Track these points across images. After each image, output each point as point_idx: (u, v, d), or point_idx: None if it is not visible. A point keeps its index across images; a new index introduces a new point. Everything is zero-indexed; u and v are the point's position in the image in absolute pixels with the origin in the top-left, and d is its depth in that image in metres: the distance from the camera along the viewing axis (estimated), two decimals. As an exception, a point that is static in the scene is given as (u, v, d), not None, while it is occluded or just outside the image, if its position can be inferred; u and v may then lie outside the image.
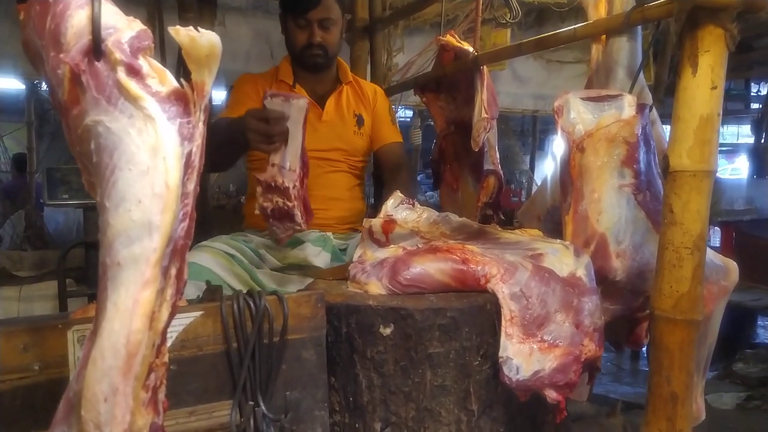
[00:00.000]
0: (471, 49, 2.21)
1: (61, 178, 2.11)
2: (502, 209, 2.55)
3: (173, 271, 0.66)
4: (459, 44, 2.25)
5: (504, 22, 2.32)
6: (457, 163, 2.59)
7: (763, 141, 6.59)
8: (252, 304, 1.07)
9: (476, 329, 1.16)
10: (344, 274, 1.38)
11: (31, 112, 7.20)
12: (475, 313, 1.16)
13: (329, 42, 1.91)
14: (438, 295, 1.20)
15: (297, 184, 1.35)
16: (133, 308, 0.62)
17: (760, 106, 6.58)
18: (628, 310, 1.50)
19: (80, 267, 2.36)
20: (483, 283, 1.19)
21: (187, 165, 0.66)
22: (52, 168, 2.17)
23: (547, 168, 11.13)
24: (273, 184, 1.34)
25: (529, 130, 9.19)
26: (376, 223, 1.39)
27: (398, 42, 3.22)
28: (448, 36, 2.30)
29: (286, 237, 1.43)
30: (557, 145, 1.57)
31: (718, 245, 4.70)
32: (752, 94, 6.69)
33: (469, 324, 1.16)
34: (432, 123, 2.70)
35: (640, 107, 1.42)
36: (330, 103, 2.00)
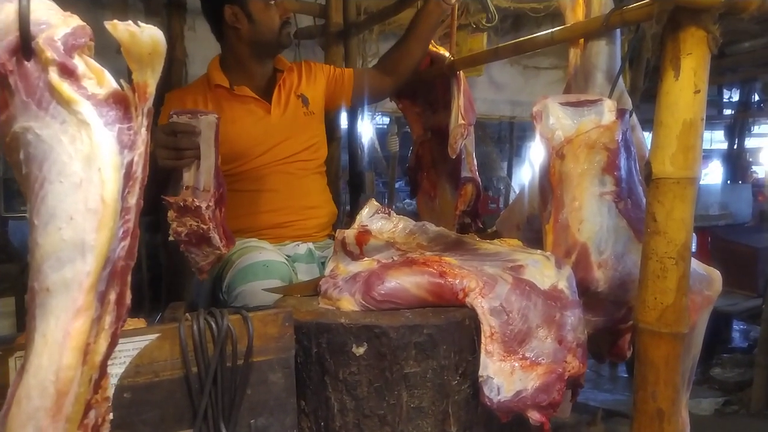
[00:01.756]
0: (447, 54, 2.16)
1: (19, 188, 1.99)
2: (480, 217, 2.51)
3: (112, 296, 0.59)
4: (435, 49, 2.20)
5: (481, 27, 2.27)
6: (435, 171, 2.55)
7: (735, 146, 6.68)
8: (213, 325, 1.00)
9: (455, 347, 1.10)
10: (315, 289, 1.31)
11: None
12: (453, 330, 1.10)
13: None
14: (414, 311, 1.14)
15: (211, 204, 1.25)
16: (64, 341, 0.54)
17: (733, 111, 6.67)
18: (610, 322, 1.46)
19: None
20: (461, 298, 1.13)
21: (128, 176, 0.59)
22: (10, 178, 2.06)
23: (524, 175, 11.18)
24: (184, 205, 1.24)
25: (506, 137, 9.19)
26: (350, 234, 1.32)
27: (373, 47, 3.16)
28: (423, 41, 2.25)
29: (207, 265, 1.32)
30: (536, 152, 1.52)
31: (693, 251, 4.71)
32: (725, 100, 6.77)
33: (447, 341, 1.09)
34: (409, 130, 2.65)
35: (620, 112, 1.38)
36: (275, 94, 1.90)
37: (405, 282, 1.15)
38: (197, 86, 1.89)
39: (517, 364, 1.06)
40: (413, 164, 2.62)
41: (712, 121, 6.94)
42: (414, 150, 2.60)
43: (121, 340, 0.97)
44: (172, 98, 1.83)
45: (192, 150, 1.27)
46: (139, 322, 1.18)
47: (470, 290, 1.13)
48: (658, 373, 1.13)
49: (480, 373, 1.06)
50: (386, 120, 6.74)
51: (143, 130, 0.60)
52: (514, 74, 3.74)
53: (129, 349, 0.97)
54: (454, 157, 2.15)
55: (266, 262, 1.50)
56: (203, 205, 1.24)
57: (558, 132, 1.35)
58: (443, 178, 2.49)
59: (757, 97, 6.78)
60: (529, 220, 1.66)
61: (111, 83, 0.61)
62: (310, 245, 1.78)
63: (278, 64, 1.96)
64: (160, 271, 3.43)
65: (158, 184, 1.49)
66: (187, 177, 1.28)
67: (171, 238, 1.28)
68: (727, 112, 6.80)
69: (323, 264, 1.75)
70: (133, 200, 0.59)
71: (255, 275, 1.48)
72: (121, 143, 0.58)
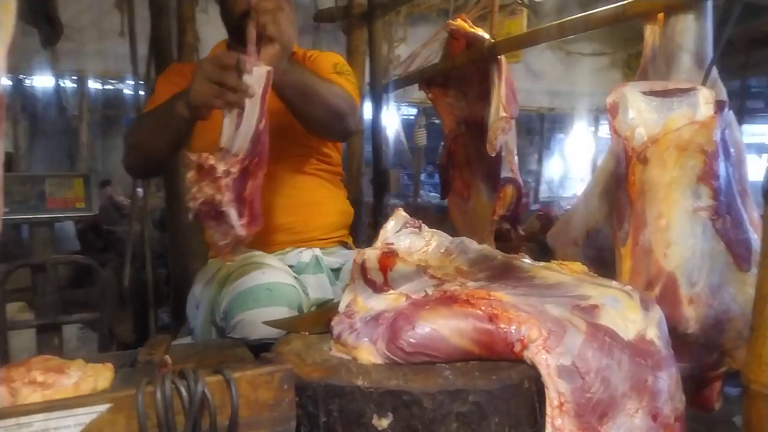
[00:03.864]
0: (486, 36, 1.87)
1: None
2: (521, 223, 2.22)
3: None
4: (472, 30, 1.91)
5: (521, 3, 1.97)
6: (469, 169, 2.26)
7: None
8: (184, 390, 0.73)
9: (510, 419, 0.82)
10: (327, 323, 1.04)
11: (16, 108, 6.88)
12: (508, 396, 0.82)
13: None
14: (455, 369, 0.86)
15: (234, 171, 0.98)
16: None
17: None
18: (698, 368, 1.17)
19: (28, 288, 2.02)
20: (518, 351, 0.85)
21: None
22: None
23: (554, 168, 10.79)
24: (204, 167, 0.98)
25: (536, 129, 8.83)
26: (372, 256, 1.04)
27: (400, 31, 2.88)
28: (458, 21, 1.96)
29: (225, 247, 1.05)
30: (609, 152, 1.23)
31: None
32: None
33: (500, 412, 0.82)
34: (437, 121, 2.36)
35: (719, 105, 1.08)
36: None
37: (443, 328, 0.87)
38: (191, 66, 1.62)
39: (597, 449, 0.78)
40: (444, 161, 2.33)
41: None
42: (445, 145, 2.32)
43: (60, 413, 0.72)
44: (172, 69, 1.63)
45: (239, 93, 1.02)
46: (104, 369, 0.92)
47: (530, 341, 0.85)
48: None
49: (545, 456, 0.78)
50: (413, 111, 6.47)
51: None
52: (554, 61, 3.42)
53: (70, 425, 0.72)
54: (493, 155, 1.86)
55: (270, 285, 1.24)
56: (222, 171, 0.97)
57: (639, 129, 1.06)
58: (478, 178, 2.21)
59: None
60: (589, 235, 1.37)
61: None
62: (316, 251, 1.51)
63: None
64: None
65: (175, 132, 1.25)
66: (223, 132, 1.02)
67: (190, 216, 1.03)
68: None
69: (334, 273, 1.48)
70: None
71: (256, 301, 1.21)
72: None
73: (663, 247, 1.04)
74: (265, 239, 1.49)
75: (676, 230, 1.05)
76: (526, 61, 3.40)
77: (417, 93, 2.86)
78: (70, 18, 2.86)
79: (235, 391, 0.75)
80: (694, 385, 1.23)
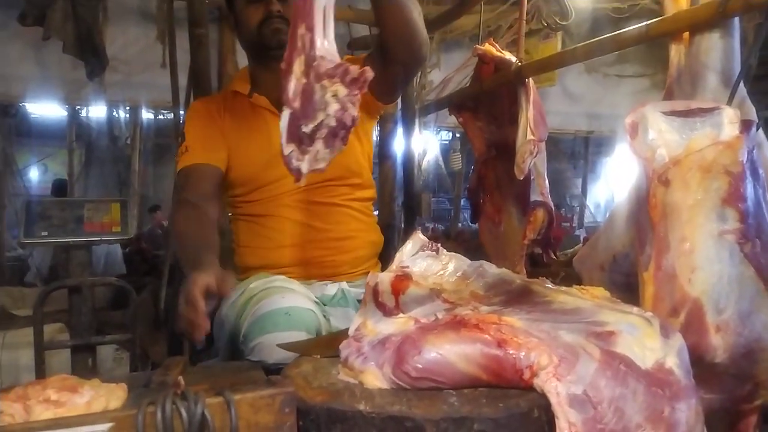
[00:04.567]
0: (514, 59, 1.86)
1: (42, 212, 1.84)
2: (553, 246, 2.17)
3: None
4: (499, 54, 1.91)
5: (554, 27, 1.95)
6: (499, 193, 2.23)
7: None
8: (184, 412, 0.74)
9: (517, 449, 0.79)
10: (339, 345, 1.04)
11: (71, 136, 7.20)
12: (516, 425, 0.80)
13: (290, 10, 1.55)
14: (461, 395, 0.84)
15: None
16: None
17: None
18: (729, 401, 1.10)
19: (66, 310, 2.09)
20: (528, 378, 0.83)
21: None
22: (32, 200, 1.93)
23: (600, 192, 10.57)
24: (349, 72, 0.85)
25: (580, 152, 8.67)
26: (384, 280, 1.04)
27: (434, 57, 2.89)
28: (486, 45, 1.96)
29: (299, 173, 0.90)
30: (628, 175, 1.20)
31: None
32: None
33: (508, 441, 0.79)
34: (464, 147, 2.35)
35: (745, 124, 1.04)
36: None
37: (449, 353, 0.85)
38: (220, 94, 1.69)
39: (608, 484, 0.74)
40: (474, 186, 2.31)
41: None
42: (476, 169, 2.30)
43: (62, 431, 0.73)
44: (195, 109, 1.64)
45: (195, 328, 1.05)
46: (117, 389, 0.94)
47: (540, 368, 0.82)
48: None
49: (554, 491, 0.75)
50: (448, 136, 6.47)
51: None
52: (592, 84, 3.37)
53: (72, 444, 0.73)
54: (521, 178, 1.84)
55: (289, 310, 1.24)
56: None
57: (661, 150, 1.02)
58: (509, 202, 2.18)
59: None
60: (616, 260, 1.33)
61: None
62: (343, 285, 1.51)
63: None
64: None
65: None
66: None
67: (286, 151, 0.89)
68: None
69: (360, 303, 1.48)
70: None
71: (275, 325, 1.22)
72: None
73: (687, 272, 1.00)
74: (291, 270, 1.50)
75: (701, 254, 1.00)
76: (562, 83, 3.35)
77: (452, 118, 2.86)
78: (116, 51, 3.00)
79: (234, 414, 0.75)
80: (728, 419, 1.16)
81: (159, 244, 5.63)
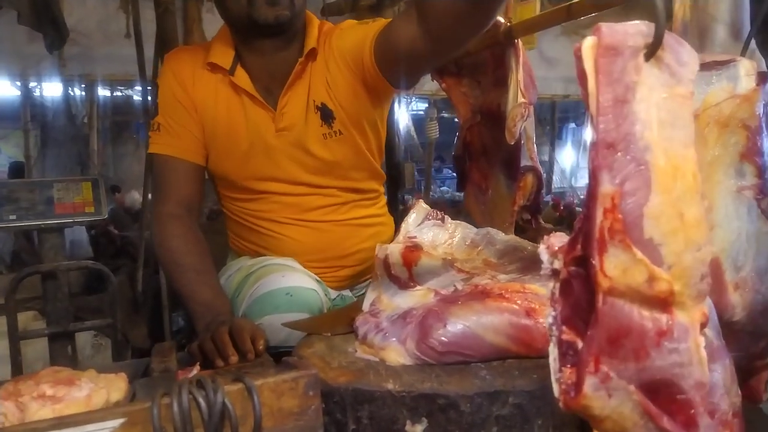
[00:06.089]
0: (501, 20, 1.80)
1: (7, 195, 1.71)
2: (541, 212, 2.15)
3: None
4: (486, 14, 1.84)
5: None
6: (486, 159, 2.18)
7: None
8: (203, 402, 0.68)
9: (554, 421, 0.76)
10: (350, 323, 0.99)
11: (26, 117, 6.89)
12: (551, 397, 0.76)
13: None
14: (492, 369, 0.80)
15: None
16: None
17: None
18: (744, 358, 1.09)
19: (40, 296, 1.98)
20: (558, 347, 0.79)
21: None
22: (-3, 182, 1.82)
23: (566, 158, 10.66)
24: None
25: (547, 119, 8.72)
26: (395, 251, 0.99)
27: (410, 22, 2.79)
28: (472, 5, 1.89)
29: None
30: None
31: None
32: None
33: (543, 413, 0.75)
34: (447, 115, 2.30)
35: (761, 76, 1.00)
36: (287, 98, 1.32)
37: (476, 325, 0.81)
38: (197, 54, 1.38)
39: (650, 452, 0.71)
40: (460, 153, 2.26)
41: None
42: (461, 136, 2.25)
43: (69, 430, 0.67)
44: (164, 74, 1.39)
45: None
46: (117, 379, 0.87)
47: (572, 336, 0.78)
48: None
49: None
50: (423, 105, 6.39)
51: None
52: (568, 47, 3.32)
53: (82, 442, 0.66)
54: (512, 143, 1.80)
55: (290, 290, 1.18)
56: None
57: (677, 105, 0.98)
58: (496, 168, 2.13)
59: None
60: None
61: None
62: (345, 292, 1.45)
63: (308, 40, 1.33)
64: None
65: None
66: None
67: None
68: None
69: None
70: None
71: (276, 307, 1.15)
72: None
73: (706, 231, 0.97)
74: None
75: (720, 212, 0.98)
76: (539, 47, 3.31)
77: (427, 85, 2.79)
78: (75, 21, 2.82)
79: (257, 400, 0.70)
80: (741, 375, 1.16)
81: (124, 224, 5.47)
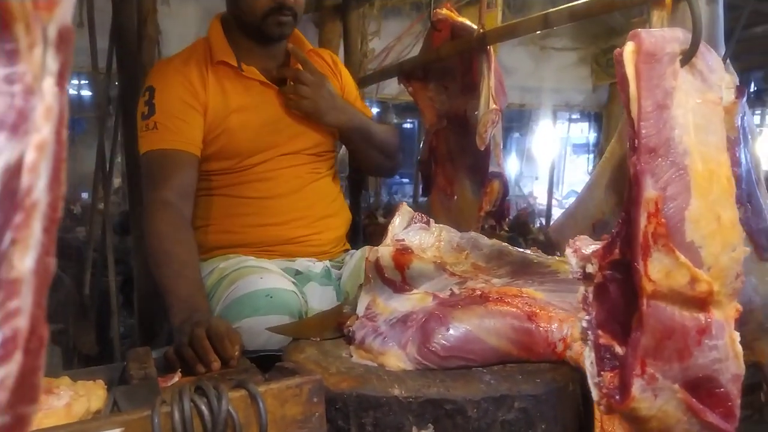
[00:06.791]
0: (474, 26, 1.82)
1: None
2: (506, 218, 2.18)
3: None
4: (459, 19, 1.86)
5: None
6: (452, 164, 2.20)
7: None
8: (206, 410, 0.64)
9: (557, 425, 0.76)
10: (337, 327, 0.96)
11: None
12: (554, 401, 0.76)
13: (300, 3, 1.43)
14: (495, 374, 0.79)
15: None
16: None
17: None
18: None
19: None
20: (560, 351, 0.80)
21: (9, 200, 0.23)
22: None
23: (510, 166, 10.88)
24: None
25: (494, 127, 8.86)
26: (386, 254, 0.97)
27: (374, 24, 2.79)
28: (444, 10, 1.90)
29: None
30: (615, 141, 1.19)
31: None
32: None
33: (547, 417, 0.75)
34: (397, 120, 2.30)
35: (739, 90, 1.05)
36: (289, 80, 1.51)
37: (479, 329, 0.80)
38: (194, 58, 1.45)
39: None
40: (426, 157, 2.26)
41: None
42: (426, 141, 2.25)
43: (58, 442, 0.62)
44: (161, 71, 1.43)
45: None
46: (95, 387, 0.82)
47: (573, 340, 0.79)
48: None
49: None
50: (377, 109, 6.38)
51: (50, 87, 0.24)
52: (524, 57, 3.40)
53: (74, 454, 0.61)
54: (482, 149, 1.81)
55: (270, 292, 1.14)
56: None
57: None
58: (462, 174, 2.15)
59: (755, 87, 6.62)
60: (596, 228, 1.33)
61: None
62: (327, 263, 1.43)
63: (296, 43, 1.54)
64: (130, 274, 2.98)
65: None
66: None
67: None
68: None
69: (339, 284, 1.40)
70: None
71: (255, 309, 1.12)
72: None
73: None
74: (278, 250, 1.41)
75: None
76: (497, 56, 3.37)
77: (388, 89, 2.78)
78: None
79: (263, 408, 0.66)
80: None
81: (64, 226, 5.21)
